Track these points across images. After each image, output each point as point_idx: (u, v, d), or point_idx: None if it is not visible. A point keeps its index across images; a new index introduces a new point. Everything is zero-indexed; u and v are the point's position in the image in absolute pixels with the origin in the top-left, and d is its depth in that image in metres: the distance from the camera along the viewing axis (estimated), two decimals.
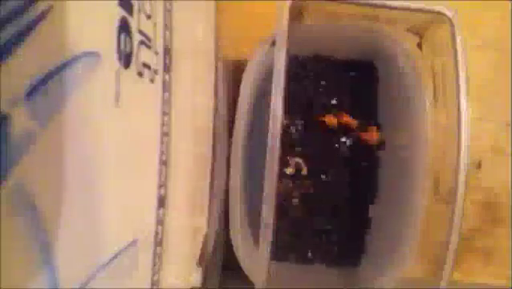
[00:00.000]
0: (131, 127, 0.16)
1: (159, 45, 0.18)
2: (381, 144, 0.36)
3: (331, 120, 0.36)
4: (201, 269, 0.26)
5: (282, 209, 0.36)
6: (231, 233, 0.29)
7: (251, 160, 0.30)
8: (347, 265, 0.36)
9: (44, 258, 0.11)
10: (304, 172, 0.36)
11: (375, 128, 0.36)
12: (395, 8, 0.26)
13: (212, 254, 0.29)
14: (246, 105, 0.29)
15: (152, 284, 0.18)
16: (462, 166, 0.25)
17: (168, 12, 0.19)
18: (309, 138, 0.36)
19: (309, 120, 0.36)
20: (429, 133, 0.29)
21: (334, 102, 0.37)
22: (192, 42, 0.24)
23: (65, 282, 0.11)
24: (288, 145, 0.36)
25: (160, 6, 0.19)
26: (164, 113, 0.19)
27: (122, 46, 0.14)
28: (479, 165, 0.38)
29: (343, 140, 0.36)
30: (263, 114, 0.25)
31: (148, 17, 0.17)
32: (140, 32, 0.16)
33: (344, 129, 0.36)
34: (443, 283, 0.25)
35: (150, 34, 0.17)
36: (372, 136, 0.36)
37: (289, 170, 0.36)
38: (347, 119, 0.36)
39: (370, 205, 0.36)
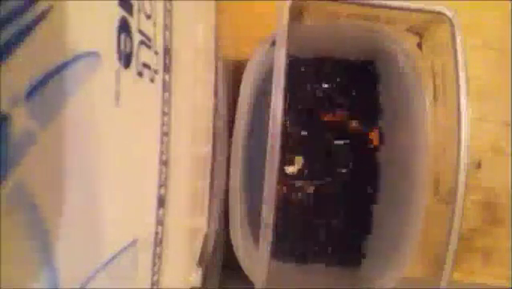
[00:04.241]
0: (131, 127, 0.16)
1: (159, 45, 0.18)
2: (380, 145, 0.36)
3: (330, 117, 0.36)
4: (201, 269, 0.26)
5: (282, 209, 0.36)
6: (231, 233, 0.29)
7: (251, 160, 0.30)
8: (347, 265, 0.36)
9: (44, 259, 0.11)
10: (302, 171, 0.36)
11: (376, 131, 0.36)
12: (395, 8, 0.26)
13: (212, 254, 0.29)
14: (246, 105, 0.29)
15: (152, 284, 0.18)
16: (462, 166, 0.25)
17: (168, 12, 0.19)
18: (309, 138, 0.36)
19: (309, 120, 0.36)
20: (429, 133, 0.29)
21: (333, 102, 0.37)
22: (192, 42, 0.24)
23: (65, 282, 0.11)
24: (288, 145, 0.36)
25: (160, 6, 0.19)
26: (164, 113, 0.19)
27: (122, 46, 0.14)
28: (479, 165, 0.38)
29: (344, 140, 0.36)
30: (263, 114, 0.25)
31: (148, 17, 0.17)
32: (140, 32, 0.16)
33: (344, 128, 0.36)
34: (443, 283, 0.25)
35: (150, 34, 0.17)
36: (374, 137, 0.36)
37: (289, 169, 0.36)
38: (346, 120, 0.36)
39: (372, 206, 0.36)
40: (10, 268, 0.10)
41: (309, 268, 0.36)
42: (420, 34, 0.30)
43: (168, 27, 0.19)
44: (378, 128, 0.36)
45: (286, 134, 0.35)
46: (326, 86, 0.37)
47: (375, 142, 0.36)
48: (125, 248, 0.16)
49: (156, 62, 0.18)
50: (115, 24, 0.14)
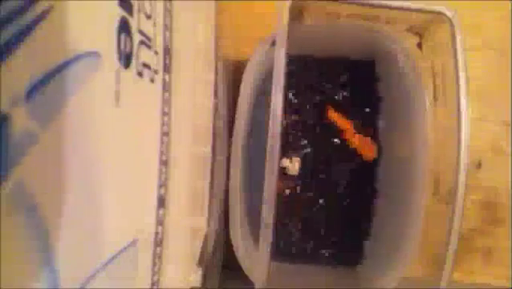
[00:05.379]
0: (131, 127, 0.16)
1: (159, 45, 0.18)
2: (378, 159, 0.36)
3: (333, 115, 0.36)
4: (200, 269, 0.26)
5: (282, 209, 0.36)
6: (231, 233, 0.29)
7: (251, 160, 0.30)
8: (347, 265, 0.36)
9: (45, 259, 0.11)
10: (302, 171, 0.36)
11: (373, 145, 0.36)
12: (395, 8, 0.26)
13: (212, 254, 0.29)
14: (246, 105, 0.29)
15: (152, 284, 0.18)
16: (462, 166, 0.25)
17: (168, 12, 0.19)
18: (309, 138, 0.36)
19: (309, 120, 0.36)
20: (429, 133, 0.29)
21: (333, 102, 0.37)
22: (192, 42, 0.24)
23: (65, 282, 0.11)
24: (288, 145, 0.36)
25: (160, 6, 0.19)
26: (164, 113, 0.19)
27: (122, 46, 0.14)
28: (479, 165, 0.38)
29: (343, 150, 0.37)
30: (263, 114, 0.25)
31: (148, 17, 0.17)
32: (140, 32, 0.16)
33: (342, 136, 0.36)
34: (443, 283, 0.25)
35: (150, 34, 0.17)
36: (369, 151, 0.36)
37: (289, 169, 0.36)
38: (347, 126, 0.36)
39: (372, 206, 0.36)
40: (10, 268, 0.10)
41: (309, 268, 0.36)
42: (420, 34, 0.30)
43: (168, 27, 0.19)
44: (375, 139, 0.36)
45: (286, 134, 0.35)
46: (325, 86, 0.37)
47: (369, 156, 0.36)
48: (125, 248, 0.16)
49: (156, 62, 0.18)
50: (116, 24, 0.14)
